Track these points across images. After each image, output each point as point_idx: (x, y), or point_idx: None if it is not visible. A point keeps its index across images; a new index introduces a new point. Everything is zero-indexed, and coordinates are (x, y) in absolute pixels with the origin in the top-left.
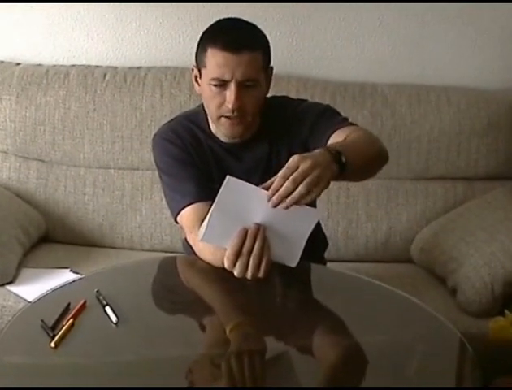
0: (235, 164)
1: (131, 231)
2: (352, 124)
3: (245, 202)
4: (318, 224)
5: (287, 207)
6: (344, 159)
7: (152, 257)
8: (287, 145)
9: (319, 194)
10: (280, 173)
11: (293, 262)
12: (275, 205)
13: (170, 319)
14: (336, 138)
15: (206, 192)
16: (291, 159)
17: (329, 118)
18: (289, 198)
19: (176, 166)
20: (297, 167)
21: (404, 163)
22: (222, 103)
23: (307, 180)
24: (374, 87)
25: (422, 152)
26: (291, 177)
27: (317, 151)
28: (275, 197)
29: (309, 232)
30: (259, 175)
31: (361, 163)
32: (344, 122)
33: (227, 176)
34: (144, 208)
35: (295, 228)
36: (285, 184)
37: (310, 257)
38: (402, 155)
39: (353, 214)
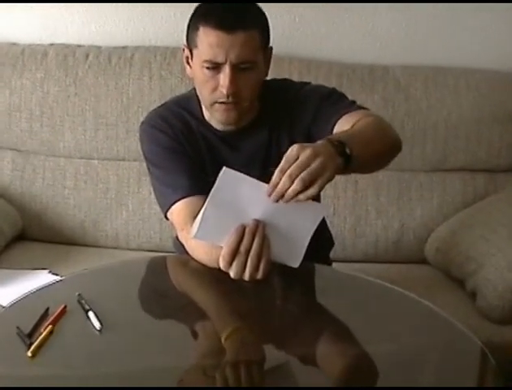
0: (230, 154)
1: (116, 229)
2: (361, 108)
3: (243, 196)
4: (324, 221)
5: (286, 202)
6: (348, 151)
7: (139, 257)
8: (288, 133)
9: (322, 187)
10: (279, 166)
11: (296, 262)
12: (275, 201)
13: (159, 326)
14: (342, 124)
15: (200, 185)
16: (290, 149)
17: (335, 102)
18: (285, 195)
19: (166, 157)
20: (297, 158)
21: (418, 153)
22: (215, 88)
23: (307, 171)
24: (385, 69)
25: (438, 141)
26: (287, 172)
27: (318, 142)
28: (273, 195)
29: (313, 230)
30: (258, 165)
31: (369, 155)
32: (351, 106)
33: (224, 167)
34: (130, 203)
35: (298, 225)
36: (282, 180)
37: (314, 256)
38: (417, 144)
39: (361, 209)
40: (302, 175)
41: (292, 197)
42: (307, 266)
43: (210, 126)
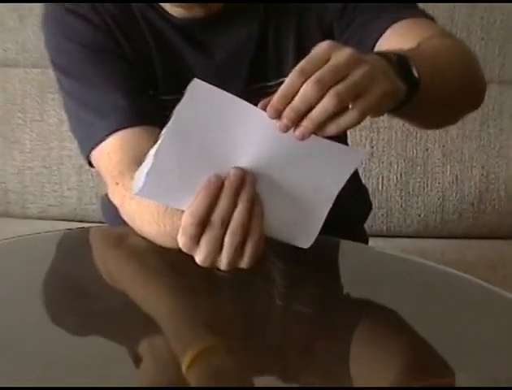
0: (197, 58)
1: (4, 184)
2: (427, 17)
3: (223, 128)
4: (355, 173)
5: (303, 137)
6: (416, 73)
7: (44, 232)
8: (295, 27)
9: (369, 111)
10: (297, 67)
11: (307, 240)
12: (285, 129)
13: (78, 345)
14: (397, 38)
15: (146, 108)
16: (317, 46)
17: None
18: (308, 118)
19: (88, 61)
20: (327, 60)
21: None
22: None
23: (347, 81)
24: None
25: None
26: (314, 76)
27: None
28: (281, 121)
29: (338, 189)
30: (241, 79)
31: (444, 90)
32: (413, 9)
33: (194, 79)
34: (28, 139)
35: (313, 181)
36: (304, 87)
37: (339, 228)
38: (509, 44)
39: (418, 149)
40: (339, 87)
41: (318, 127)
42: (327, 243)
43: (164, 10)
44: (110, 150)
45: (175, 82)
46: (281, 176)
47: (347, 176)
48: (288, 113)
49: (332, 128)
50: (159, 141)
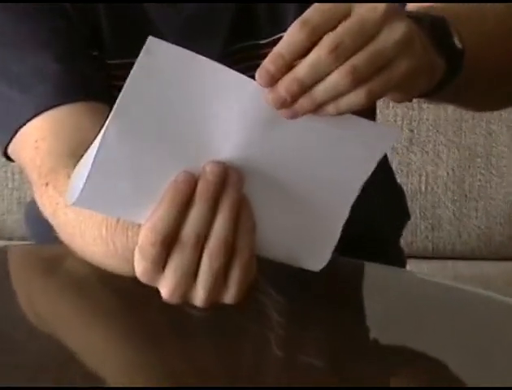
0: (158, 9)
1: None
2: None
3: (195, 106)
4: (387, 168)
5: (293, 117)
6: (458, 43)
7: None
8: None
9: (391, 87)
10: (301, 16)
11: (317, 260)
12: (279, 105)
13: None
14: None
15: (88, 76)
16: None
17: None
18: (309, 95)
19: (5, 13)
20: (345, 14)
21: None
22: None
23: (373, 47)
24: None
25: None
26: (333, 39)
27: None
28: (285, 84)
29: (360, 186)
30: (223, 34)
31: (495, 62)
32: None
33: (150, 38)
34: None
35: (326, 175)
36: (316, 52)
37: (364, 246)
38: None
39: (477, 134)
40: (358, 59)
41: (318, 107)
42: (346, 266)
43: None
44: (38, 137)
45: (126, 41)
46: (280, 171)
47: (372, 167)
48: (289, 83)
49: (330, 109)
50: (104, 127)
